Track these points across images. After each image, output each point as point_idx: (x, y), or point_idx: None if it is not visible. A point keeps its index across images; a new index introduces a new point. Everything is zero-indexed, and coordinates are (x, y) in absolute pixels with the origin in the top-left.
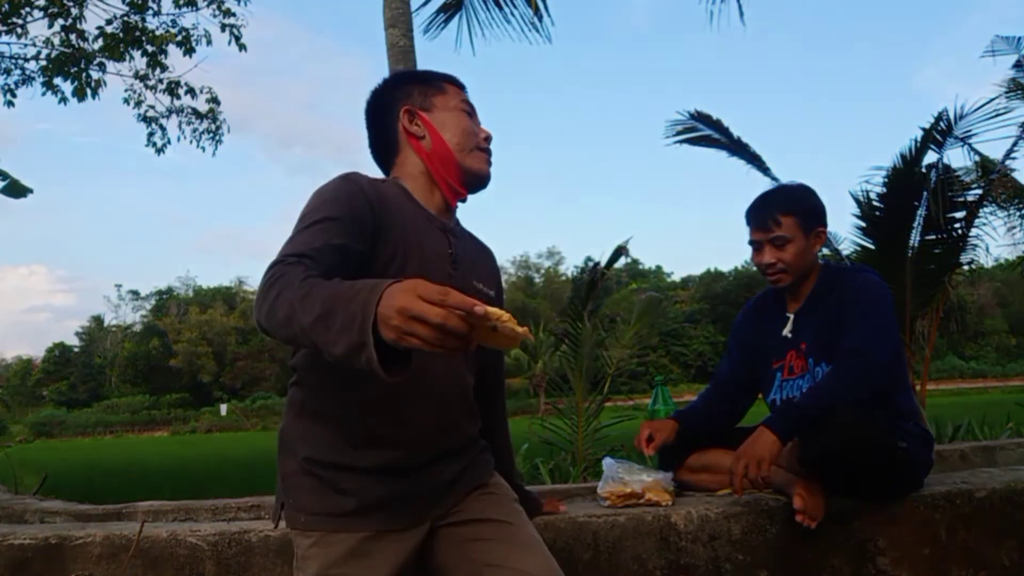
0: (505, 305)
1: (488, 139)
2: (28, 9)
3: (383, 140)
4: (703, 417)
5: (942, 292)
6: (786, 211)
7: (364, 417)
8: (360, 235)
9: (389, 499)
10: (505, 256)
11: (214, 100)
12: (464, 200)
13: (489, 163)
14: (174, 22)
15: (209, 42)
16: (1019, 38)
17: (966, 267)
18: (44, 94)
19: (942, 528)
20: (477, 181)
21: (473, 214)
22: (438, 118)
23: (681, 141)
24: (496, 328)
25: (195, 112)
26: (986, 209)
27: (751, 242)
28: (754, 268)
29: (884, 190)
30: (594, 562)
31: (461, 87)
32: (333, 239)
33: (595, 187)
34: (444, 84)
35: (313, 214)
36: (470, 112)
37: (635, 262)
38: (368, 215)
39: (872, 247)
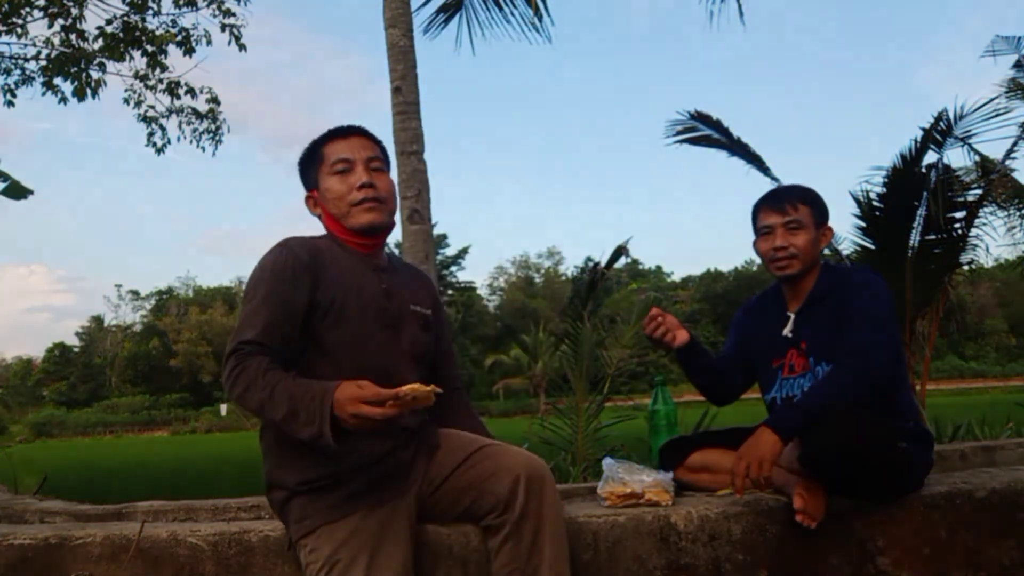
0: (504, 303)
1: (364, 187)
2: (28, 9)
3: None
4: (712, 359)
5: (942, 292)
6: (803, 200)
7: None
8: (299, 294)
9: (370, 483)
10: (505, 256)
11: (214, 100)
12: (376, 245)
13: (371, 210)
14: (174, 22)
15: (209, 42)
16: (1019, 38)
17: (966, 267)
18: (44, 94)
19: (942, 528)
20: (366, 233)
21: (474, 214)
22: (322, 192)
23: (681, 141)
24: (416, 397)
25: (195, 112)
26: (986, 209)
27: (762, 228)
28: (754, 268)
29: (884, 190)
30: (594, 562)
31: (342, 136)
32: (276, 311)
33: (595, 187)
34: (322, 150)
35: (256, 289)
36: (344, 169)
37: (635, 262)
38: (304, 276)
39: (872, 247)
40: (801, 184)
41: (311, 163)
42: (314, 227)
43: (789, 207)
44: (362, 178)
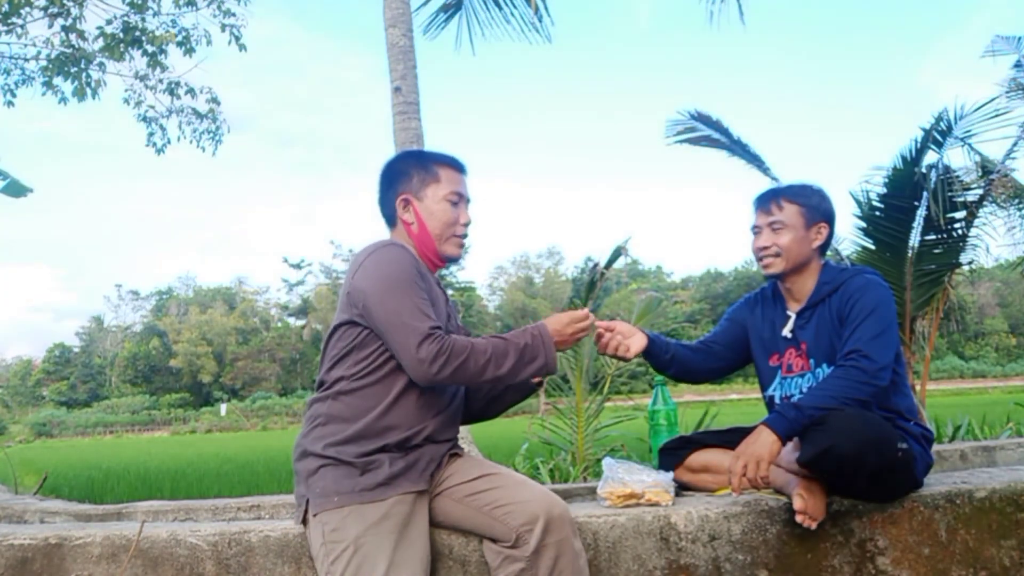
0: (504, 303)
1: (467, 225)
2: (28, 9)
3: (385, 209)
4: (675, 349)
5: (942, 292)
6: (791, 199)
7: (398, 407)
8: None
9: (407, 468)
10: (505, 256)
11: (214, 100)
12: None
13: (461, 247)
14: (174, 22)
15: (209, 42)
16: (1019, 38)
17: (966, 267)
18: (44, 94)
19: (942, 528)
20: (449, 261)
21: (474, 213)
22: (427, 208)
23: (681, 141)
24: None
25: (195, 112)
26: (986, 209)
27: (752, 228)
28: (754, 268)
29: (884, 190)
30: (594, 562)
31: (458, 170)
32: (425, 299)
33: (596, 186)
34: (440, 172)
35: (411, 283)
36: (456, 201)
37: (635, 262)
38: (420, 272)
39: (872, 247)
40: (801, 182)
41: (426, 172)
42: (315, 228)
43: (774, 207)
44: (468, 218)
